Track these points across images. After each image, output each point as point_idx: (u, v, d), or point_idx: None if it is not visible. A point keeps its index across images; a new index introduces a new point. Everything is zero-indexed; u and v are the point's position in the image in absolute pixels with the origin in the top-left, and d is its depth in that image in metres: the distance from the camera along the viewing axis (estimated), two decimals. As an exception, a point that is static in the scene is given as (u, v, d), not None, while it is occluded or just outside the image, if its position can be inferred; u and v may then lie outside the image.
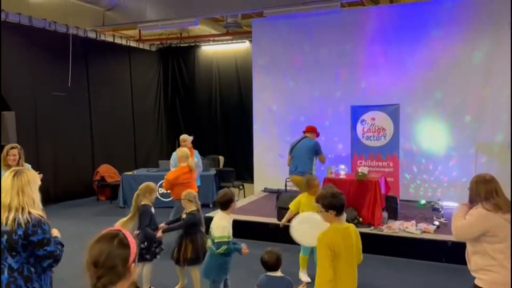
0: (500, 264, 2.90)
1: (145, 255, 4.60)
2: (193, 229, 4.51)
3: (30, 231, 2.58)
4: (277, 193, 7.72)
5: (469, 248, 3.08)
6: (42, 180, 3.08)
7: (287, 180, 8.36)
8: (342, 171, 7.21)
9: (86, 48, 10.33)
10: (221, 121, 12.49)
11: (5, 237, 2.57)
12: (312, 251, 4.91)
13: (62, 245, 2.82)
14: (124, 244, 1.64)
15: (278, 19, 9.31)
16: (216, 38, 11.81)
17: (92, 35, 10.42)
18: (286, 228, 5.19)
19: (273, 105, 9.85)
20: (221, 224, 3.86)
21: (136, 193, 4.73)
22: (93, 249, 1.60)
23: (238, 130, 11.94)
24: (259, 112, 10.02)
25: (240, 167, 11.41)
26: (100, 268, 1.57)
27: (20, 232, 2.56)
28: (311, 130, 7.10)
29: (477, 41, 7.98)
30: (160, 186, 7.29)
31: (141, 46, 12.27)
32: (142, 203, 4.66)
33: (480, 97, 8.03)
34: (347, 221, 3.85)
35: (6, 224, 2.57)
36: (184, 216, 4.60)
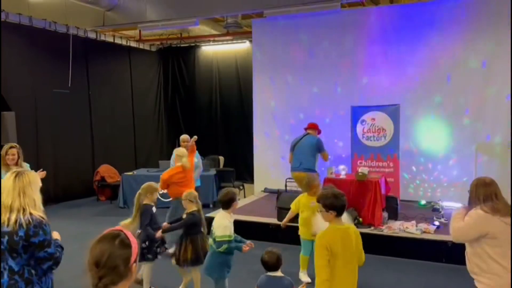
0: (503, 267, 2.89)
1: (146, 255, 4.60)
2: (193, 229, 4.49)
3: (31, 232, 2.57)
4: (277, 193, 7.72)
5: (470, 252, 3.07)
6: (43, 178, 3.08)
7: (287, 180, 8.37)
8: (342, 171, 7.21)
9: (86, 48, 10.34)
10: (221, 121, 12.49)
11: (6, 238, 2.57)
12: (312, 251, 4.90)
13: (62, 248, 2.82)
14: (126, 244, 1.64)
15: (278, 19, 9.32)
16: (216, 38, 11.82)
17: (92, 35, 10.42)
18: (287, 228, 5.21)
19: (273, 105, 9.85)
20: (222, 223, 3.87)
21: (138, 192, 4.76)
22: (95, 249, 1.61)
23: (238, 130, 11.94)
24: (259, 112, 10.02)
25: (240, 167, 11.41)
26: (102, 268, 1.57)
27: (21, 233, 2.56)
28: (313, 126, 7.07)
29: (477, 41, 7.99)
30: (159, 186, 7.29)
31: (141, 46, 12.28)
32: (144, 202, 4.70)
33: (480, 97, 8.03)
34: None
35: (8, 225, 2.57)
36: (184, 216, 4.60)
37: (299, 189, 6.90)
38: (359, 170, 6.90)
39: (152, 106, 12.74)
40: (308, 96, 9.41)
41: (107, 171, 10.19)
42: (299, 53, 9.46)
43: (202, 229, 4.54)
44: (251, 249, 3.94)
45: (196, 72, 12.70)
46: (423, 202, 8.07)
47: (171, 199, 6.04)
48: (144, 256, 4.58)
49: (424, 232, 6.11)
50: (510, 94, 7.63)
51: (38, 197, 2.73)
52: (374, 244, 5.88)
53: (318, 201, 3.09)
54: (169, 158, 7.16)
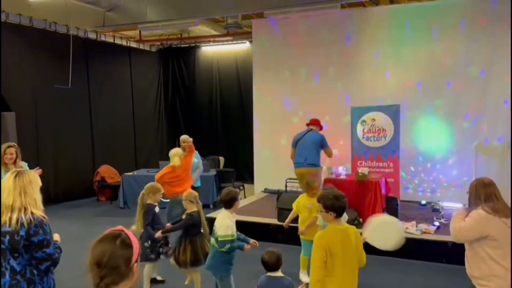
0: (504, 269, 2.89)
1: (149, 255, 4.62)
2: (192, 230, 4.49)
3: (32, 232, 2.58)
4: (278, 193, 7.71)
5: (470, 255, 3.07)
6: (41, 175, 3.08)
7: (288, 180, 8.37)
8: (343, 172, 7.21)
9: (87, 49, 10.35)
10: (221, 121, 12.49)
11: (7, 237, 2.57)
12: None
13: (61, 250, 2.82)
14: (127, 244, 1.65)
15: (278, 19, 9.32)
16: (216, 39, 11.82)
17: (92, 35, 10.43)
18: (289, 228, 5.21)
19: (273, 106, 9.85)
20: (224, 223, 3.87)
21: (141, 192, 4.79)
22: (96, 249, 1.61)
23: (238, 131, 11.95)
24: (259, 113, 10.02)
25: (240, 168, 11.42)
26: (103, 268, 1.58)
27: (22, 233, 2.57)
28: (316, 122, 7.08)
29: (477, 41, 7.99)
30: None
31: (141, 46, 12.28)
32: (147, 202, 4.73)
33: (480, 97, 8.04)
34: (347, 222, 3.85)
35: (9, 224, 2.57)
36: (184, 217, 4.60)
37: (300, 189, 6.90)
38: (359, 170, 6.90)
39: (152, 107, 12.74)
40: (308, 96, 9.41)
41: (107, 172, 10.19)
42: (299, 53, 9.46)
43: (202, 230, 4.53)
44: (252, 248, 3.95)
45: (196, 72, 12.70)
46: (423, 202, 8.08)
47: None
48: (146, 256, 4.59)
49: (424, 232, 6.11)
50: (510, 94, 7.63)
51: (38, 197, 2.74)
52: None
53: (318, 201, 3.10)
54: (169, 159, 7.17)
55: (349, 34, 9.01)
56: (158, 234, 4.56)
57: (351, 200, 6.27)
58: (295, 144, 6.95)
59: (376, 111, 7.71)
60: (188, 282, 4.81)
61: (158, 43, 12.58)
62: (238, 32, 10.64)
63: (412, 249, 5.91)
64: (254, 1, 8.07)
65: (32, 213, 2.63)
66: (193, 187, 6.66)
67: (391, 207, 6.87)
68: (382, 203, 6.62)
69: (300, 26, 9.35)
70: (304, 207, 4.98)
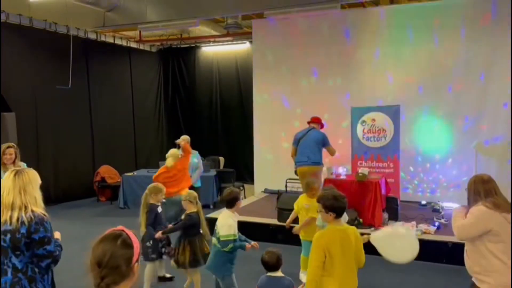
0: (505, 264, 2.89)
1: (150, 255, 4.64)
2: (190, 231, 4.49)
3: (32, 229, 2.60)
4: (278, 194, 7.71)
5: (470, 249, 3.07)
6: (41, 175, 3.08)
7: (288, 180, 8.37)
8: (343, 172, 7.22)
9: (87, 49, 10.35)
10: (222, 121, 12.50)
11: (9, 236, 2.58)
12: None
13: (61, 248, 2.83)
14: (128, 244, 1.65)
15: (278, 20, 9.32)
16: (216, 39, 11.82)
17: (92, 36, 10.43)
18: (290, 228, 5.21)
19: (273, 106, 9.85)
20: (226, 223, 3.87)
21: (145, 192, 4.85)
22: (97, 249, 1.61)
23: (238, 131, 11.95)
24: (259, 113, 10.03)
25: (241, 168, 11.42)
26: (104, 268, 1.58)
27: (23, 230, 2.58)
28: (317, 120, 7.08)
29: (478, 42, 8.00)
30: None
31: (141, 47, 12.28)
32: (150, 202, 4.77)
33: (480, 97, 8.04)
34: (348, 222, 3.86)
35: (10, 223, 2.58)
36: (183, 217, 4.60)
37: (300, 189, 6.90)
38: (359, 170, 6.90)
39: (152, 107, 12.74)
40: (308, 96, 9.41)
41: (107, 172, 10.19)
42: (299, 53, 9.46)
43: (201, 231, 4.52)
44: (252, 249, 3.95)
45: (196, 72, 12.70)
46: (423, 202, 8.09)
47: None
48: (148, 255, 4.61)
49: (425, 232, 6.11)
50: (510, 94, 7.63)
51: (38, 195, 2.75)
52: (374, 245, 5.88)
53: (318, 202, 3.10)
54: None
55: (349, 34, 9.01)
56: (159, 234, 4.57)
57: (351, 200, 6.27)
58: (297, 142, 6.94)
59: (376, 111, 7.71)
60: (188, 283, 4.80)
61: (158, 43, 12.58)
62: (238, 33, 10.65)
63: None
64: (254, 1, 8.08)
65: (32, 211, 2.64)
66: (193, 187, 6.67)
67: (391, 207, 6.87)
68: (382, 203, 6.62)
69: (300, 27, 9.35)
70: (303, 207, 4.99)
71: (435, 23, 8.26)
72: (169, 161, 6.03)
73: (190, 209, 4.53)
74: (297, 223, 5.11)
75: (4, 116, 7.88)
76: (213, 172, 9.50)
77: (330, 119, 8.82)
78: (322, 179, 6.87)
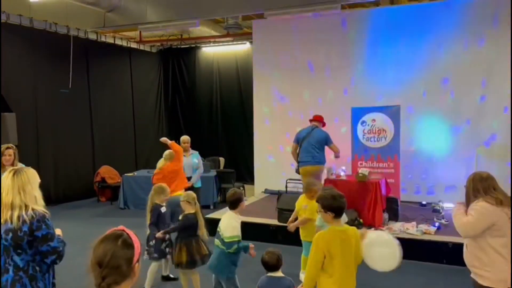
0: (505, 259, 2.90)
1: (153, 253, 4.68)
2: (187, 232, 4.48)
3: (34, 227, 2.60)
4: (278, 194, 7.71)
5: (470, 244, 3.07)
6: (41, 176, 3.09)
7: (288, 181, 8.37)
8: (343, 172, 7.21)
9: (87, 49, 10.35)
10: (222, 122, 12.50)
11: (10, 235, 2.58)
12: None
13: (64, 243, 2.83)
14: (128, 244, 1.65)
15: (278, 20, 9.32)
16: (216, 40, 11.83)
17: (92, 36, 10.44)
18: (289, 228, 5.21)
19: (273, 106, 9.86)
20: (231, 224, 3.86)
21: (150, 192, 4.93)
22: (98, 249, 1.61)
23: (238, 131, 11.95)
24: (259, 113, 10.03)
25: (241, 168, 11.43)
26: (105, 268, 1.58)
27: (25, 229, 2.58)
28: (319, 119, 7.07)
29: (477, 42, 8.01)
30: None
31: (141, 47, 12.29)
32: (155, 202, 4.84)
33: (481, 98, 8.04)
34: (348, 223, 3.86)
35: (11, 222, 2.59)
36: (180, 217, 4.62)
37: (300, 190, 6.90)
38: (360, 171, 6.91)
39: (153, 107, 12.75)
40: (308, 96, 9.42)
41: (107, 172, 10.20)
42: (300, 54, 9.47)
43: (198, 232, 4.50)
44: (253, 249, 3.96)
45: (197, 73, 12.71)
46: (423, 202, 8.08)
47: None
48: (151, 254, 4.67)
49: (425, 233, 6.11)
50: (510, 94, 7.63)
51: (38, 193, 2.76)
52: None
53: (317, 202, 3.11)
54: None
55: (350, 35, 9.01)
56: (159, 234, 4.60)
57: (351, 200, 6.30)
58: (299, 140, 6.93)
59: (376, 112, 7.71)
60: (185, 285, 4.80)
61: (159, 43, 12.59)
62: (238, 33, 10.65)
63: (413, 249, 5.92)
64: (255, 1, 8.08)
65: (33, 209, 2.65)
66: (193, 188, 6.69)
67: (392, 207, 6.87)
68: (383, 204, 6.62)
69: (300, 27, 9.35)
70: (301, 207, 5.02)
71: (435, 23, 8.26)
72: (159, 163, 6.20)
73: (188, 210, 4.52)
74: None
75: (4, 116, 7.89)
76: (213, 173, 9.51)
77: (330, 119, 8.83)
78: (323, 179, 6.88)
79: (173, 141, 6.43)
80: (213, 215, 7.27)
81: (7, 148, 5.06)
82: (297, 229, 5.09)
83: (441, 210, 7.31)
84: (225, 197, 9.52)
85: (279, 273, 3.37)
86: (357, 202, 6.53)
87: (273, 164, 9.73)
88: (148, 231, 4.79)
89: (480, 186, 3.02)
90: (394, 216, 6.85)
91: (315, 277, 2.96)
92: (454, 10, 8.17)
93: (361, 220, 6.46)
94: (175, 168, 6.28)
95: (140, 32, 10.95)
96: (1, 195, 2.66)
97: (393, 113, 7.57)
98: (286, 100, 9.70)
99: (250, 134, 10.43)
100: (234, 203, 3.95)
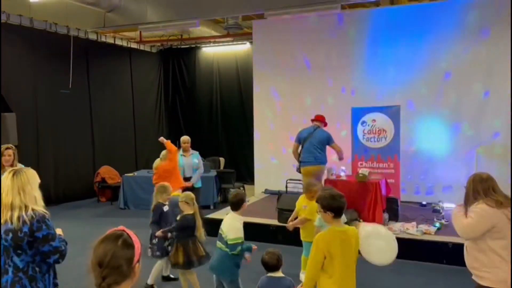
0: (505, 260, 2.91)
1: (155, 252, 4.75)
2: (184, 233, 4.50)
3: (35, 227, 2.60)
4: (278, 194, 7.71)
5: (470, 246, 3.07)
6: (41, 176, 3.10)
7: (288, 181, 8.37)
8: (343, 173, 7.21)
9: (87, 50, 10.35)
10: (222, 122, 12.50)
11: (10, 235, 2.58)
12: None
13: (66, 242, 2.83)
14: (129, 244, 1.65)
15: (278, 20, 9.33)
16: (216, 40, 11.83)
17: (93, 36, 10.44)
18: (288, 227, 5.22)
19: (273, 106, 9.86)
20: (235, 226, 3.85)
21: (154, 191, 5.03)
22: (98, 249, 1.62)
23: (238, 131, 11.95)
24: (259, 113, 10.03)
25: (241, 169, 11.43)
26: (105, 268, 1.58)
27: (25, 229, 2.58)
28: (321, 119, 7.08)
29: (478, 42, 8.01)
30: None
31: (141, 47, 12.29)
32: (158, 201, 4.92)
33: (481, 97, 8.05)
34: (348, 223, 3.86)
35: (11, 222, 2.58)
36: (178, 218, 4.63)
37: (300, 190, 6.90)
38: (360, 171, 6.91)
39: (153, 107, 12.75)
40: (308, 97, 9.43)
41: (107, 172, 10.20)
42: (300, 54, 9.47)
43: (196, 233, 4.51)
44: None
45: (197, 73, 12.71)
46: (424, 202, 8.08)
47: None
48: (153, 252, 4.75)
49: (425, 233, 6.11)
50: (510, 94, 7.63)
51: (38, 194, 2.75)
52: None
53: (317, 202, 3.11)
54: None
55: (350, 35, 9.01)
56: (159, 233, 4.64)
57: (351, 201, 6.30)
58: (300, 140, 6.94)
59: (376, 112, 7.70)
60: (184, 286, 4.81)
61: (159, 44, 12.59)
62: (238, 33, 10.65)
63: (413, 250, 5.92)
64: (255, 2, 8.08)
65: (33, 209, 2.64)
66: (193, 188, 6.70)
67: (392, 207, 6.88)
68: (383, 204, 6.62)
69: (300, 27, 9.35)
70: (301, 207, 5.03)
71: (435, 23, 8.26)
72: (155, 162, 6.35)
73: (187, 210, 4.53)
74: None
75: (4, 116, 7.90)
76: (213, 173, 9.51)
77: (330, 119, 8.83)
78: (323, 179, 6.88)
79: (169, 141, 6.49)
80: (213, 215, 7.27)
81: (7, 148, 5.07)
82: (297, 230, 5.10)
83: (441, 210, 7.31)
84: (225, 197, 9.62)
85: (279, 273, 3.37)
86: (357, 202, 6.53)
87: (273, 164, 9.74)
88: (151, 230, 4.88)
89: (480, 187, 3.02)
90: (394, 216, 6.85)
91: (315, 277, 2.96)
92: (454, 10, 8.18)
93: (361, 221, 6.46)
94: (168, 168, 6.34)
95: (140, 32, 10.96)
96: (1, 195, 2.66)
97: (393, 113, 7.56)
98: (286, 100, 9.70)
99: (250, 134, 10.43)
100: (237, 204, 3.94)
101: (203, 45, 12.43)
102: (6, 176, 2.71)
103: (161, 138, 6.55)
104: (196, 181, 6.91)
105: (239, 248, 3.79)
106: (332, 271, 2.93)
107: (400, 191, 7.67)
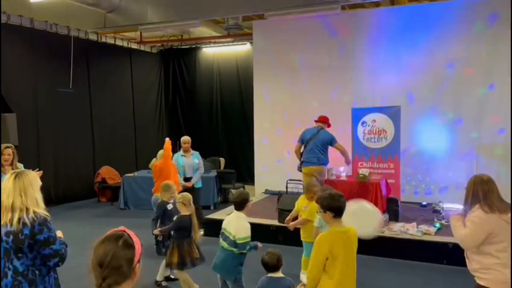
0: (502, 263, 2.92)
1: (161, 249, 4.91)
2: (180, 233, 4.52)
3: (36, 230, 2.60)
4: (278, 195, 7.72)
5: (470, 250, 3.09)
6: (41, 177, 3.11)
7: (288, 181, 8.36)
8: (343, 173, 7.21)
9: (87, 50, 10.35)
10: (222, 122, 12.50)
11: (11, 237, 2.58)
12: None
13: (66, 245, 2.84)
14: (129, 245, 1.66)
15: (279, 21, 9.33)
16: (217, 40, 11.83)
17: (93, 37, 10.44)
18: (289, 227, 5.22)
19: (273, 107, 9.85)
20: (243, 225, 3.87)
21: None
22: (99, 250, 1.62)
23: (239, 132, 11.95)
24: (259, 114, 10.03)
25: (241, 169, 11.43)
26: (106, 268, 1.59)
27: (26, 232, 2.58)
28: (325, 120, 7.14)
29: (477, 42, 8.00)
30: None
31: (142, 48, 12.30)
32: (162, 198, 5.08)
33: (481, 97, 8.04)
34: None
35: (11, 224, 2.58)
36: (175, 218, 4.66)
37: (301, 190, 6.91)
38: (360, 171, 6.91)
39: (153, 108, 12.75)
40: (308, 97, 9.42)
41: (108, 173, 10.20)
42: (300, 54, 9.47)
43: (192, 234, 4.53)
44: (253, 250, 3.96)
45: (197, 73, 12.71)
46: (424, 203, 8.08)
47: None
48: (159, 250, 4.92)
49: (425, 233, 6.10)
50: (510, 94, 7.62)
51: (39, 196, 2.76)
52: (375, 246, 5.88)
53: (316, 202, 3.11)
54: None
55: (350, 35, 9.01)
56: (156, 231, 4.76)
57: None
58: (304, 141, 6.99)
59: (376, 112, 7.70)
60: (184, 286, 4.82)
61: (159, 44, 12.59)
62: (238, 33, 10.65)
63: (413, 250, 5.93)
64: (255, 2, 8.09)
65: (34, 212, 2.64)
66: (194, 188, 6.72)
67: (392, 208, 6.87)
68: (383, 204, 6.62)
69: (300, 28, 9.35)
70: (302, 208, 5.03)
71: (435, 23, 8.26)
72: (150, 163, 6.50)
73: (183, 211, 4.55)
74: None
75: (4, 116, 7.90)
76: (213, 173, 9.51)
77: (330, 120, 8.83)
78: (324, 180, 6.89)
79: (168, 141, 6.55)
80: (214, 215, 7.28)
81: (6, 147, 5.08)
82: (297, 230, 5.10)
83: (441, 211, 7.30)
84: (226, 197, 9.62)
85: (279, 274, 3.38)
86: (358, 203, 6.52)
87: (274, 164, 9.72)
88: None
89: (480, 190, 3.01)
90: (394, 216, 6.85)
91: (317, 279, 2.96)
92: (454, 10, 8.18)
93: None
94: (160, 167, 6.40)
95: (141, 32, 10.96)
96: (2, 197, 2.66)
97: (393, 113, 7.56)
98: (287, 100, 9.70)
99: (250, 135, 10.43)
100: (241, 204, 3.96)
101: (203, 46, 12.43)
102: (8, 179, 2.71)
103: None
104: (196, 181, 6.92)
105: (248, 247, 3.82)
106: (333, 272, 2.93)
107: (400, 191, 7.67)
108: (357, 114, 7.84)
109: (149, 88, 12.59)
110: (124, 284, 1.63)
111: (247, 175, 11.42)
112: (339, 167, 7.39)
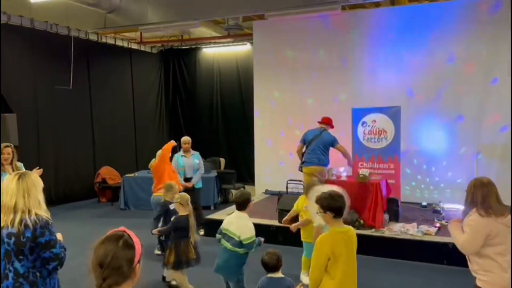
0: (501, 266, 2.92)
1: (165, 247, 4.93)
2: (177, 234, 4.53)
3: (38, 233, 2.59)
4: (278, 195, 7.72)
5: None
6: (42, 177, 3.12)
7: (289, 182, 8.37)
8: (343, 173, 7.21)
9: (87, 50, 10.35)
10: (222, 123, 12.50)
11: (13, 239, 2.57)
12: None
13: (65, 249, 2.84)
14: (129, 245, 1.66)
15: (279, 21, 9.33)
16: (217, 40, 11.83)
17: (93, 37, 10.45)
18: (288, 224, 5.22)
19: (274, 107, 9.85)
20: (247, 224, 3.89)
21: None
22: (99, 250, 1.62)
23: (239, 132, 11.95)
24: (260, 114, 10.03)
25: (241, 169, 11.43)
26: (106, 269, 1.59)
27: (28, 234, 2.57)
28: (328, 122, 7.17)
29: (477, 42, 8.01)
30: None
31: (142, 48, 12.30)
32: (165, 198, 5.17)
33: (481, 98, 8.04)
34: (348, 223, 3.86)
35: (12, 225, 2.58)
36: (172, 219, 4.66)
37: (301, 191, 6.91)
38: (360, 172, 6.91)
39: (153, 108, 12.75)
40: (309, 97, 9.42)
41: (108, 173, 10.20)
42: (300, 54, 9.47)
43: (189, 234, 4.54)
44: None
45: (197, 74, 12.71)
46: (424, 203, 8.09)
47: None
48: (163, 248, 4.98)
49: (425, 234, 6.10)
50: (510, 94, 7.62)
51: (42, 198, 2.76)
52: (375, 246, 5.89)
53: (316, 202, 3.11)
54: (170, 160, 7.21)
55: (350, 35, 9.00)
56: (155, 231, 4.81)
57: (352, 202, 6.26)
58: (308, 142, 7.03)
59: (376, 113, 7.70)
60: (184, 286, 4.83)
61: (159, 44, 12.59)
62: (238, 34, 10.65)
63: (413, 250, 5.93)
64: (255, 2, 8.08)
65: (36, 214, 2.64)
66: (194, 188, 6.72)
67: (392, 208, 6.87)
68: (383, 205, 6.62)
69: (300, 28, 9.35)
70: (302, 208, 5.03)
71: (436, 23, 8.26)
72: (152, 161, 6.54)
73: (181, 211, 4.58)
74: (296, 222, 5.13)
75: (5, 117, 7.91)
76: (214, 173, 9.51)
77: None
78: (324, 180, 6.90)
79: (171, 143, 6.58)
80: (214, 216, 7.28)
81: (6, 146, 5.09)
82: (298, 230, 5.10)
83: (441, 211, 7.30)
84: (226, 198, 9.62)
85: (279, 274, 3.38)
86: (358, 203, 6.52)
87: (274, 165, 9.72)
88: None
89: (480, 193, 3.01)
90: (394, 217, 6.85)
91: (319, 280, 2.95)
92: (454, 10, 8.17)
93: (361, 221, 6.46)
94: (157, 167, 6.43)
95: (141, 33, 10.95)
96: (5, 198, 2.66)
97: (393, 113, 7.56)
98: (287, 100, 9.69)
99: (250, 135, 10.42)
100: (243, 204, 3.97)
101: (203, 46, 12.43)
102: (11, 179, 2.71)
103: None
104: (196, 182, 6.92)
105: (254, 245, 3.84)
106: (335, 272, 2.93)
107: (401, 191, 7.67)
108: (357, 114, 7.85)
109: (149, 88, 12.59)
110: (124, 285, 1.63)
111: (247, 176, 11.42)
112: (339, 168, 7.38)
